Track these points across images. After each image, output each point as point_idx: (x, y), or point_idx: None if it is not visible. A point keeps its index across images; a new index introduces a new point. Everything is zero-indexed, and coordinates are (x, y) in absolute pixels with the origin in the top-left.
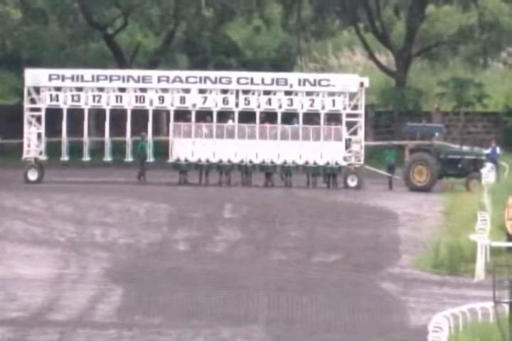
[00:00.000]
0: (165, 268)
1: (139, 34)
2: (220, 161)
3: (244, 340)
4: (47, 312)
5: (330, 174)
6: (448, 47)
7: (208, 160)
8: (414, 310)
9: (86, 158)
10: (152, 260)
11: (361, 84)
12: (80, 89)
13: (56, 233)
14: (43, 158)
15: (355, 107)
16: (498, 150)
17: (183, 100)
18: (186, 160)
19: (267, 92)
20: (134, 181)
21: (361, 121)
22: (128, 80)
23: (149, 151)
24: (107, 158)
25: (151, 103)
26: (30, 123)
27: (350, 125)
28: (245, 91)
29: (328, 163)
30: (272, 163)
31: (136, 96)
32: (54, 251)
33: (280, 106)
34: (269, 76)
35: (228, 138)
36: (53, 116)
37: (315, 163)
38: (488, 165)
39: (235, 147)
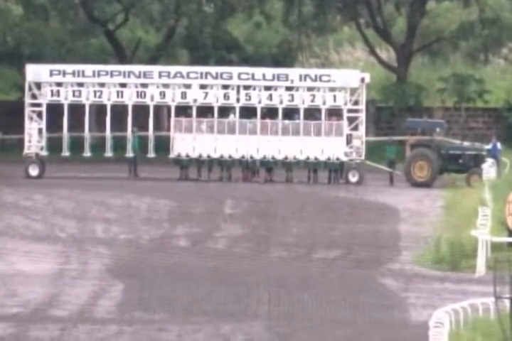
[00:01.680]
0: (166, 264)
1: (140, 30)
2: (221, 157)
3: (244, 336)
4: (47, 307)
5: (331, 169)
6: (449, 42)
7: (209, 156)
8: (415, 305)
9: (87, 153)
10: (153, 256)
11: (362, 80)
12: (80, 84)
13: (57, 229)
14: (44, 153)
15: (356, 103)
16: (498, 145)
17: (184, 95)
18: (187, 156)
19: (268, 88)
20: (135, 176)
21: (362, 116)
22: (129, 76)
23: (150, 146)
24: (108, 153)
25: (152, 98)
26: (31, 118)
27: (351, 120)
28: (246, 87)
29: (329, 159)
30: (273, 158)
31: (137, 92)
32: (55, 246)
33: (281, 102)
34: (270, 71)
35: (229, 134)
36: (54, 111)
37: (316, 159)
38: (489, 161)
39: (236, 142)
